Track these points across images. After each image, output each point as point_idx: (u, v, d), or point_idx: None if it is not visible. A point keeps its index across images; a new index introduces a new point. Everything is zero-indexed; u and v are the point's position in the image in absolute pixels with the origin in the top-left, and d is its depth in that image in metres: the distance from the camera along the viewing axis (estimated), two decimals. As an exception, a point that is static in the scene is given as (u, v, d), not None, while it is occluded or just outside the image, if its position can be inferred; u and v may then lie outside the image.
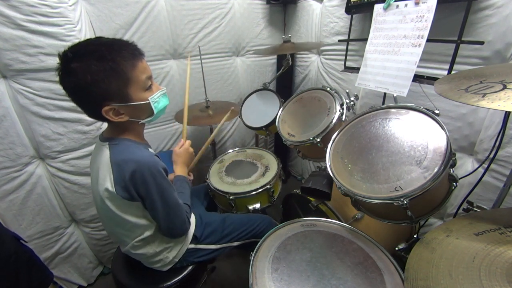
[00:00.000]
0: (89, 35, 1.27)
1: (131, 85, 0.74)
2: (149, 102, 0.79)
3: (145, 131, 1.68)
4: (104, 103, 0.72)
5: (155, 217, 0.83)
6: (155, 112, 0.82)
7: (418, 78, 1.02)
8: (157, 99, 0.82)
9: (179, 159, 1.07)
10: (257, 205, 1.26)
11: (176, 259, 0.95)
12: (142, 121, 0.83)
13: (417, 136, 0.79)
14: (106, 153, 0.78)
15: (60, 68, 0.69)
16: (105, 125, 0.95)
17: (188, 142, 1.12)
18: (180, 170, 1.06)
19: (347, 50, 1.38)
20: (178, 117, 1.55)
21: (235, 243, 1.07)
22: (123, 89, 0.73)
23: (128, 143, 0.81)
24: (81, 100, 0.74)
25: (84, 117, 1.16)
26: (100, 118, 0.75)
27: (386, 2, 1.04)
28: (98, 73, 0.67)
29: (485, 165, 0.97)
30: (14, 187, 1.19)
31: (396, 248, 0.94)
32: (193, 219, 1.04)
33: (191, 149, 1.12)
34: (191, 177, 1.18)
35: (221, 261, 1.56)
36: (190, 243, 0.98)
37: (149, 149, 0.89)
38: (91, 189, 0.90)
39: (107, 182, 0.75)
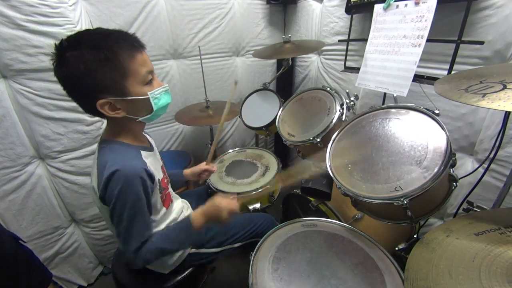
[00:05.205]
0: (89, 35, 1.27)
1: (128, 78, 0.69)
2: (148, 98, 0.73)
3: (145, 131, 1.69)
4: (99, 95, 0.68)
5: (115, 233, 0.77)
6: (154, 109, 0.76)
7: (418, 78, 1.02)
8: (158, 95, 0.76)
9: (212, 209, 0.84)
10: (257, 205, 1.26)
11: (177, 263, 0.94)
12: (140, 119, 0.77)
13: (417, 136, 0.79)
14: (96, 156, 0.77)
15: (54, 57, 0.66)
16: (104, 125, 0.93)
17: (235, 202, 0.87)
18: (201, 217, 0.83)
19: (347, 50, 1.38)
20: (178, 117, 1.55)
21: (237, 244, 1.05)
22: (120, 82, 0.68)
23: (116, 146, 0.77)
24: (75, 91, 0.70)
25: (84, 117, 1.15)
26: (96, 112, 0.71)
27: (386, 2, 1.04)
28: (92, 62, 0.63)
29: (485, 165, 0.97)
30: (14, 187, 1.19)
31: (396, 248, 0.94)
32: None
33: (230, 214, 0.84)
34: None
35: (221, 261, 1.55)
36: (192, 248, 0.97)
37: (142, 152, 0.81)
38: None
39: (95, 184, 0.75)
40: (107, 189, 0.71)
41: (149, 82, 0.74)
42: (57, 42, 0.66)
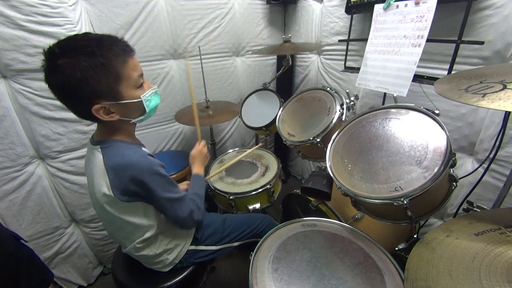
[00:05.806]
0: (89, 35, 1.28)
1: (122, 83, 0.72)
2: (141, 101, 0.77)
3: (145, 131, 1.70)
4: (94, 101, 0.69)
5: (162, 211, 0.85)
6: (147, 110, 0.80)
7: (418, 78, 1.02)
8: (149, 98, 0.80)
9: (194, 160, 1.14)
10: (257, 205, 1.26)
11: (176, 261, 0.95)
12: (133, 121, 0.81)
13: (417, 136, 0.79)
14: (99, 157, 0.76)
15: (46, 65, 0.66)
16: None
17: (202, 143, 1.19)
18: (196, 169, 1.12)
19: (347, 50, 1.38)
20: (178, 117, 1.55)
21: (236, 244, 1.07)
22: (114, 87, 0.71)
23: (120, 144, 0.78)
24: (70, 98, 0.71)
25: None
26: (90, 117, 0.73)
27: (386, 2, 1.04)
28: (87, 69, 0.65)
29: (485, 165, 0.97)
30: (14, 187, 1.19)
31: (396, 248, 0.94)
32: None
33: (205, 150, 1.19)
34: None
35: (221, 261, 1.55)
36: (190, 245, 0.98)
37: (143, 148, 0.86)
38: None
39: (104, 187, 0.74)
40: (137, 185, 0.74)
41: (140, 86, 0.77)
42: (46, 49, 0.66)
